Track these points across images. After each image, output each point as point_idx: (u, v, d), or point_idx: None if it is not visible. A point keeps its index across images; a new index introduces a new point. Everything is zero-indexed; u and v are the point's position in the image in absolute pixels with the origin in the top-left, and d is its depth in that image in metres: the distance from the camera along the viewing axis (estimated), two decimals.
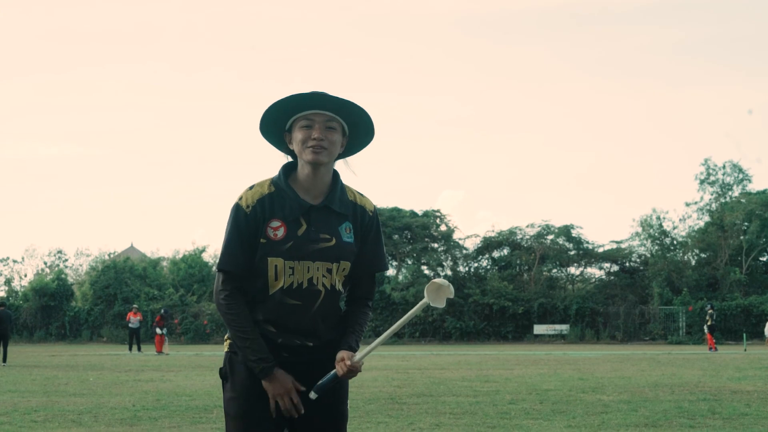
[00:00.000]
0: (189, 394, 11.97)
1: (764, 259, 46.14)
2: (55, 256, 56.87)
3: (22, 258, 55.22)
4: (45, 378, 15.87)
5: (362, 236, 3.20)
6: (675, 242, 45.99)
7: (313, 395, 3.09)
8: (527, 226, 46.66)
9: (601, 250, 46.39)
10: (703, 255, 45.60)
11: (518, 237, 46.62)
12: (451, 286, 3.09)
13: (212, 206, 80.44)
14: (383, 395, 11.62)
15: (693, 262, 45.68)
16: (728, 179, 46.40)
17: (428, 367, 18.97)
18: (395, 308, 43.87)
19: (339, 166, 3.26)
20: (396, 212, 46.59)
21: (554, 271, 47.18)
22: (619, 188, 75.37)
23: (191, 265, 49.22)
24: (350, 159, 3.29)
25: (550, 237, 46.27)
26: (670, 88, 69.58)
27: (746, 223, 44.18)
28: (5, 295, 50.02)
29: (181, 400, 11.18)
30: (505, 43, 71.85)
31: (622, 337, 41.93)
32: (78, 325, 46.53)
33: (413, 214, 46.87)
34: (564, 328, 42.44)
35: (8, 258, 54.14)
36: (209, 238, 74.24)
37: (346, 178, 3.28)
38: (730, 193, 46.37)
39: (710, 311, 31.47)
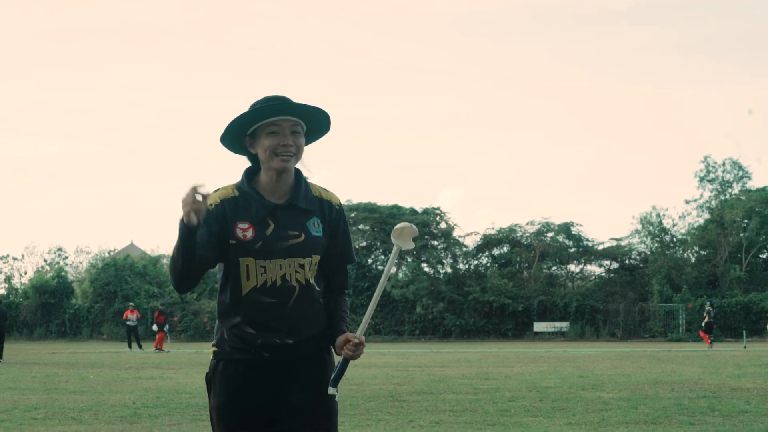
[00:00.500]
0: (189, 392, 11.97)
1: (764, 256, 46.14)
2: (55, 253, 56.89)
3: (22, 255, 55.26)
4: (45, 375, 15.87)
5: (331, 230, 3.26)
6: (675, 239, 46.00)
7: (332, 390, 3.11)
8: (527, 224, 46.70)
9: (600, 247, 46.39)
10: (702, 252, 45.60)
11: (518, 234, 46.63)
12: (414, 226, 3.19)
13: None
14: (383, 393, 11.63)
15: (693, 260, 45.69)
16: (728, 176, 46.40)
17: (428, 364, 18.98)
18: (395, 306, 43.88)
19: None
20: (396, 210, 46.58)
21: (554, 268, 47.18)
22: (619, 186, 75.42)
23: None
24: (305, 158, 3.31)
25: (550, 234, 46.27)
26: (669, 85, 69.59)
27: (746, 221, 44.17)
28: (5, 293, 50.03)
29: (182, 397, 11.19)
30: (505, 42, 71.85)
31: (621, 334, 41.93)
32: (78, 323, 46.54)
33: (413, 211, 46.86)
34: (564, 325, 42.45)
35: (8, 255, 54.17)
36: None
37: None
38: (729, 190, 46.37)
39: (708, 308, 31.44)
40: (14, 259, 54.44)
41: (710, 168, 46.34)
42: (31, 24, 72.64)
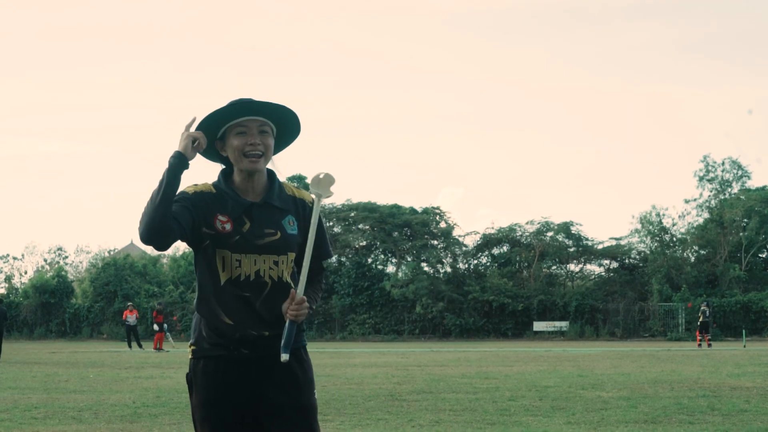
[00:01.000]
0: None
1: (763, 255, 46.15)
2: (55, 253, 56.84)
3: (22, 255, 55.23)
4: (45, 375, 15.88)
5: (306, 227, 3.30)
6: (674, 239, 46.00)
7: (284, 357, 3.11)
8: (527, 223, 46.71)
9: (600, 246, 46.40)
10: (702, 252, 45.60)
11: (518, 234, 46.63)
12: (329, 173, 3.24)
13: None
14: (383, 392, 11.64)
15: (692, 259, 45.69)
16: (727, 176, 46.39)
17: (428, 364, 18.99)
18: (395, 305, 43.87)
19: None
20: (396, 209, 46.59)
21: (554, 268, 47.19)
22: (619, 185, 75.44)
23: (191, 263, 49.18)
24: (276, 159, 3.36)
25: (550, 234, 46.27)
26: (669, 85, 69.61)
27: (745, 220, 44.17)
28: (5, 292, 50.04)
29: (181, 397, 11.19)
30: (505, 41, 71.87)
31: (621, 333, 41.94)
32: (78, 322, 46.55)
33: (413, 211, 46.87)
34: (563, 324, 42.45)
35: (8, 255, 54.15)
36: None
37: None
38: (729, 189, 46.37)
39: (703, 308, 31.40)
40: (14, 258, 54.44)
41: (710, 167, 46.35)
42: (31, 24, 72.68)
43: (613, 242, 46.56)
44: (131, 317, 30.93)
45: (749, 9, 66.11)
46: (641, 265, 45.70)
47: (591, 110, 71.16)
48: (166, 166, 3.08)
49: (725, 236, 44.19)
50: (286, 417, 3.18)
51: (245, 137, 3.21)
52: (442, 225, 46.70)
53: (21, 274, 54.07)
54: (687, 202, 46.83)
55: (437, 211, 46.92)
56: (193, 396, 3.25)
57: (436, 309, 43.20)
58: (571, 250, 46.44)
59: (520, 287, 44.35)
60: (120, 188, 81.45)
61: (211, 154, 3.33)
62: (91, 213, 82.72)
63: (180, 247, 55.30)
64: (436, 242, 46.57)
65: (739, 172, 46.33)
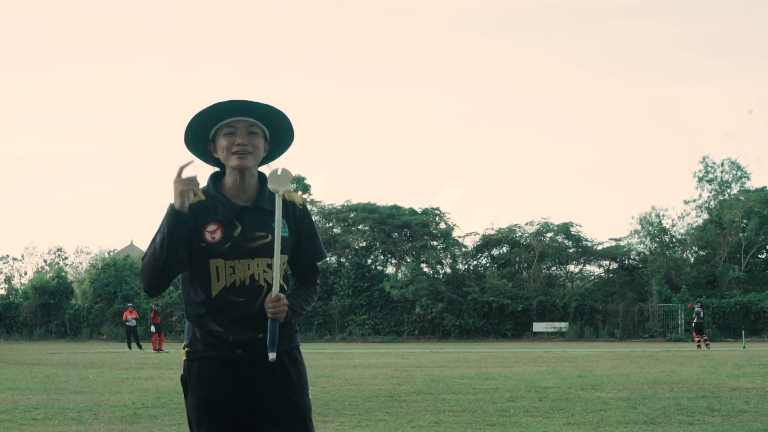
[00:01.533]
0: None
1: (763, 256, 46.18)
2: (54, 254, 56.90)
3: (22, 256, 55.27)
4: (45, 376, 15.88)
5: (297, 229, 3.32)
6: (674, 240, 46.02)
7: (271, 356, 3.12)
8: (526, 224, 46.75)
9: (600, 247, 46.43)
10: (702, 252, 45.63)
11: (517, 235, 46.65)
12: (286, 168, 3.24)
13: None
14: (383, 393, 11.64)
15: (692, 260, 45.72)
16: (727, 177, 46.45)
17: (427, 364, 18.99)
18: (394, 306, 43.88)
19: (263, 170, 3.37)
20: (395, 210, 46.60)
21: (553, 268, 47.22)
22: (619, 186, 75.51)
23: None
24: (272, 162, 3.41)
25: (550, 235, 46.29)
26: (669, 84, 69.65)
27: (745, 221, 44.21)
28: (5, 293, 50.04)
29: (181, 398, 11.17)
30: (505, 40, 71.90)
31: (621, 334, 41.97)
32: (78, 323, 46.55)
33: (412, 211, 46.89)
34: (563, 325, 42.47)
35: (8, 256, 54.19)
36: None
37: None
38: (728, 190, 46.42)
39: (697, 309, 31.41)
40: (14, 259, 54.47)
41: (709, 168, 46.41)
42: (31, 23, 72.68)
43: (613, 243, 46.61)
44: (131, 318, 30.94)
45: (749, 9, 66.18)
46: (641, 265, 45.73)
47: (591, 110, 71.27)
48: (165, 213, 3.10)
49: (725, 237, 44.22)
50: (280, 417, 3.20)
51: (233, 137, 3.23)
52: (442, 226, 46.72)
53: (21, 275, 54.13)
54: (686, 202, 46.94)
55: (437, 212, 46.95)
56: (188, 397, 3.27)
57: (436, 310, 43.22)
58: (571, 250, 46.46)
59: (520, 288, 44.36)
60: (120, 189, 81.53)
61: (206, 156, 3.35)
62: (90, 213, 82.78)
63: None
64: (435, 243, 46.58)
65: (739, 173, 46.41)
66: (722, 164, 46.35)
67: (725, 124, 68.11)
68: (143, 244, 65.87)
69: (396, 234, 45.96)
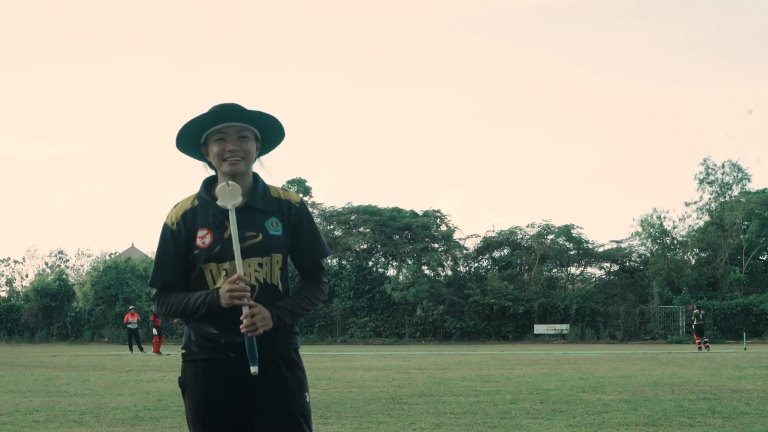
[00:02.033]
0: None
1: (764, 258, 46.16)
2: (56, 256, 56.95)
3: (23, 258, 55.32)
4: (46, 378, 15.89)
5: (293, 228, 3.34)
6: (675, 242, 46.02)
7: (253, 370, 3.13)
8: (527, 226, 46.74)
9: (601, 249, 46.42)
10: (702, 254, 45.62)
11: (518, 237, 46.65)
12: (233, 182, 3.22)
13: None
14: (384, 395, 11.65)
15: (693, 262, 45.71)
16: (727, 179, 46.45)
17: (429, 367, 19.00)
18: (395, 308, 43.89)
19: (255, 167, 3.39)
20: (396, 212, 46.61)
21: (554, 270, 47.21)
22: (620, 188, 75.51)
23: None
24: (265, 159, 3.42)
25: (551, 237, 46.29)
26: (669, 85, 69.69)
27: (746, 223, 44.21)
28: (6, 296, 50.07)
29: (182, 400, 11.20)
30: (505, 40, 71.95)
31: (622, 336, 41.96)
32: (79, 326, 46.57)
33: (413, 214, 46.90)
34: (564, 327, 42.46)
35: (9, 258, 54.26)
36: None
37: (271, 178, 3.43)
38: (729, 192, 46.41)
39: (695, 311, 31.42)
40: (15, 262, 54.53)
41: (710, 170, 46.41)
42: (31, 23, 72.76)
43: (614, 245, 46.60)
44: (133, 320, 30.96)
45: (749, 9, 66.20)
46: (642, 267, 45.72)
47: (591, 111, 71.31)
48: (206, 298, 3.18)
49: (725, 239, 44.22)
50: (276, 420, 3.21)
51: (224, 143, 3.25)
52: (443, 228, 46.74)
53: (22, 278, 54.17)
54: (687, 204, 46.92)
55: (438, 214, 46.97)
56: (186, 399, 3.30)
57: (437, 312, 43.22)
58: (572, 253, 46.46)
59: (521, 290, 44.36)
60: (121, 191, 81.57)
61: (199, 157, 3.39)
62: (92, 216, 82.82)
63: None
64: (436, 245, 46.59)
65: (739, 175, 46.41)
66: (723, 166, 46.39)
67: (725, 124, 68.18)
68: (144, 246, 66.07)
69: (397, 236, 45.97)
